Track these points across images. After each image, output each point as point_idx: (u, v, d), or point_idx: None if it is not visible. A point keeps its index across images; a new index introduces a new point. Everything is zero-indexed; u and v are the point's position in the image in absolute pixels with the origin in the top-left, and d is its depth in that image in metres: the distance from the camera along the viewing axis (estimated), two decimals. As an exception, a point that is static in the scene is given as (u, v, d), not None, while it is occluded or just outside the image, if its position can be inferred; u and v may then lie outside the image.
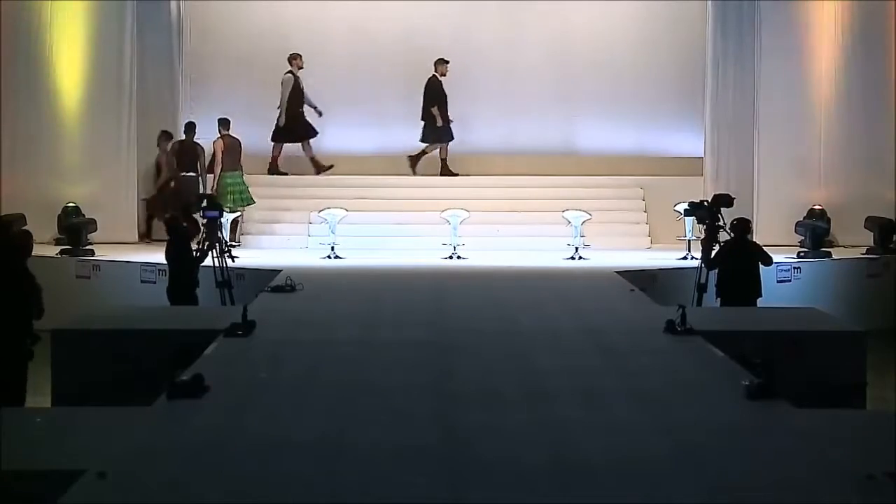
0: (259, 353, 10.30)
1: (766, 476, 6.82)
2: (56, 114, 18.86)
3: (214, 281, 14.51)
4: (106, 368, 10.52)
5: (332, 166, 20.82)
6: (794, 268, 17.03)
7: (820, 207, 18.35)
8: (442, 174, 20.86)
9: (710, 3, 19.34)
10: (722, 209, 14.88)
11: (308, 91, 20.99)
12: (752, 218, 16.34)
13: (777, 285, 16.18)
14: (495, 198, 19.89)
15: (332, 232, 18.10)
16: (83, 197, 18.67)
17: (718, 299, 14.18)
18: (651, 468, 7.01)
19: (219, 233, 15.25)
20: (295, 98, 20.65)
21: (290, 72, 20.67)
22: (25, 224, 17.17)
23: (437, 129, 20.79)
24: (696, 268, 14.90)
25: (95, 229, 18.20)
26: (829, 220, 18.16)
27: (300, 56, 20.72)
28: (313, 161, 20.88)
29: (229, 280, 14.73)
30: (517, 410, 8.38)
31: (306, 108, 20.80)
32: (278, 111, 20.68)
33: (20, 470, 6.80)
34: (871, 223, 18.15)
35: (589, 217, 18.18)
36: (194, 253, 14.59)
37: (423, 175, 20.82)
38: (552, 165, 21.06)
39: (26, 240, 11.57)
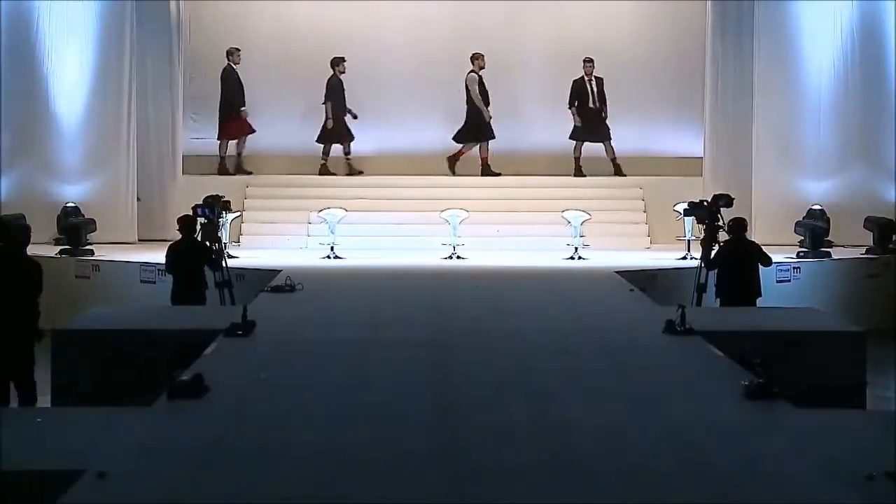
0: (259, 353, 10.31)
1: (766, 476, 6.83)
2: (56, 114, 18.82)
3: (214, 281, 14.52)
4: (106, 368, 10.53)
5: (499, 173, 20.70)
6: (794, 268, 17.02)
7: (819, 207, 18.33)
8: (575, 175, 20.82)
9: (709, 3, 19.33)
10: (722, 209, 14.90)
11: (309, 91, 20.98)
12: (752, 218, 16.33)
13: (777, 285, 16.15)
14: (495, 198, 19.89)
15: (332, 232, 18.09)
16: (83, 197, 18.66)
17: (718, 299, 14.18)
18: (651, 468, 7.01)
19: (219, 233, 15.26)
20: (480, 97, 20.66)
21: (472, 71, 20.67)
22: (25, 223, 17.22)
23: (576, 127, 20.83)
24: (696, 268, 14.89)
25: (95, 229, 18.18)
26: (828, 220, 18.13)
27: (482, 56, 20.69)
28: (484, 162, 20.81)
29: (229, 280, 14.73)
30: (517, 411, 8.37)
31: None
32: (466, 110, 20.69)
33: (20, 470, 6.80)
34: (871, 223, 18.13)
35: (588, 217, 18.17)
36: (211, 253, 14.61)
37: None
38: (552, 165, 21.04)
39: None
